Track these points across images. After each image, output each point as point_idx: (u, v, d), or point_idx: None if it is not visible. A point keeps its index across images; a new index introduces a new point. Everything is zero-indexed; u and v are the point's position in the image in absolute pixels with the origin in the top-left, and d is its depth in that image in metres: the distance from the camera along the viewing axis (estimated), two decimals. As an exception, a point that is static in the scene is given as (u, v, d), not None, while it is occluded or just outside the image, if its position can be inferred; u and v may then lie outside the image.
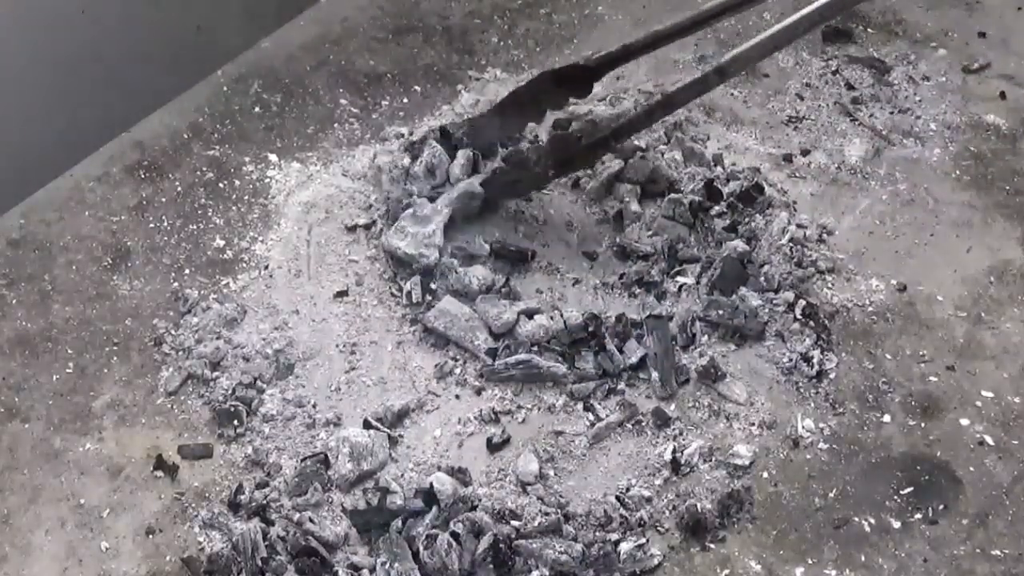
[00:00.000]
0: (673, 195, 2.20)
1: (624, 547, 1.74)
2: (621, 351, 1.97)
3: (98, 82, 2.27)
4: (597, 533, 1.76)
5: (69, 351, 2.00)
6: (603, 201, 2.24)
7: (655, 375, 1.93)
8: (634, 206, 2.20)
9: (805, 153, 2.41)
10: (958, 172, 2.37)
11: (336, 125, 2.45)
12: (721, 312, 2.01)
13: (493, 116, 2.09)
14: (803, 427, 1.93)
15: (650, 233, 2.17)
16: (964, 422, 1.95)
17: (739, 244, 2.11)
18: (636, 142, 2.30)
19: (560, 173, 2.03)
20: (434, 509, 1.75)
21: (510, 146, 2.09)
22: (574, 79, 1.99)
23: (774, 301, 2.06)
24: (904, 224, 2.27)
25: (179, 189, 2.29)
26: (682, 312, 2.02)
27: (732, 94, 2.55)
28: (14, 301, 2.08)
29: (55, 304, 2.07)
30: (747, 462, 1.86)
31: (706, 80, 1.93)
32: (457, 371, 1.98)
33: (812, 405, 1.96)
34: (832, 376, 1.99)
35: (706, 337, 2.01)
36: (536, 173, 2.01)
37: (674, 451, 1.87)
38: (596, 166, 2.25)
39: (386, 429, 1.87)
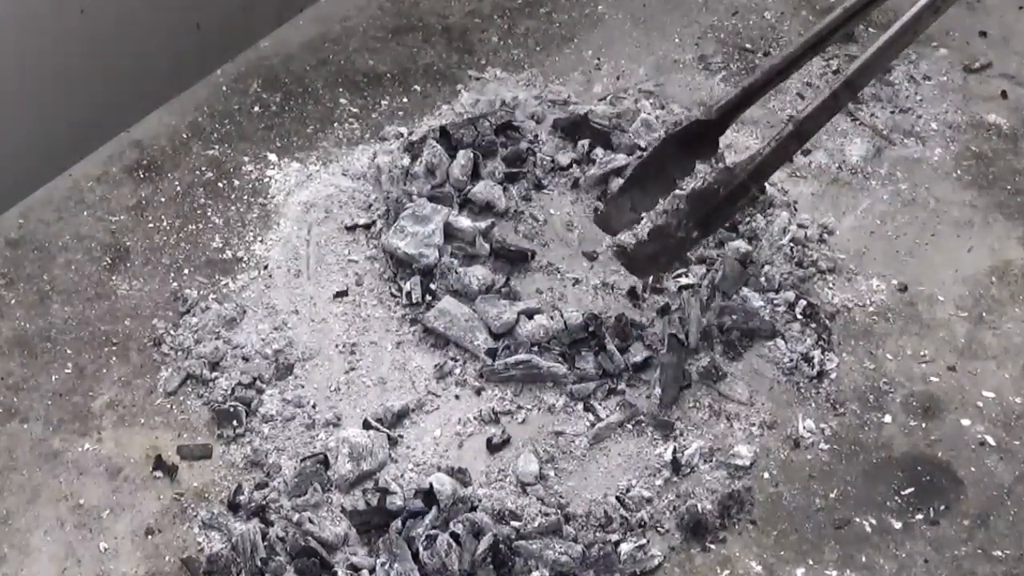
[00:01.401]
0: (677, 192, 2.19)
1: (624, 548, 1.74)
2: (622, 351, 1.97)
3: (97, 81, 2.27)
4: (597, 534, 1.76)
5: (68, 351, 2.00)
6: (596, 190, 2.24)
7: (657, 390, 1.91)
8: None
9: (806, 153, 2.41)
10: (959, 172, 2.37)
11: (336, 125, 2.45)
12: (735, 317, 2.01)
13: (622, 197, 1.87)
14: (804, 427, 1.92)
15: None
16: (965, 422, 1.94)
17: (740, 244, 2.11)
18: (636, 141, 2.30)
19: (705, 234, 1.80)
20: (434, 510, 1.74)
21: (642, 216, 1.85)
22: (698, 136, 1.80)
23: (775, 301, 2.06)
24: (905, 224, 2.26)
25: (178, 189, 2.29)
26: (694, 319, 2.01)
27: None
28: (13, 301, 2.07)
29: (54, 304, 2.07)
30: (748, 462, 1.86)
31: (837, 97, 1.73)
32: (457, 371, 1.97)
33: (813, 405, 1.95)
34: (833, 376, 1.99)
35: (720, 346, 2.01)
36: (679, 239, 1.78)
37: (674, 451, 1.86)
38: (596, 166, 2.25)
39: (386, 429, 1.87)
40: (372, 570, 1.69)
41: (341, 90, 2.53)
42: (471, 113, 2.37)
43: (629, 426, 1.90)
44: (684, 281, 2.08)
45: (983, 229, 2.26)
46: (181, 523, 1.77)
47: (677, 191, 1.79)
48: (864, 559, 1.76)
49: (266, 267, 2.14)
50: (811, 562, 1.76)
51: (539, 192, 2.26)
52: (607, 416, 1.91)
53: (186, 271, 2.13)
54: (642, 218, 1.78)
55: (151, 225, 2.22)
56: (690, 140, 1.74)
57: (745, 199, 1.80)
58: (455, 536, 1.69)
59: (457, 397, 1.94)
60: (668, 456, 1.86)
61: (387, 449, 1.84)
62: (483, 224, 2.13)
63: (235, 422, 1.88)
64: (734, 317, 2.01)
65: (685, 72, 2.61)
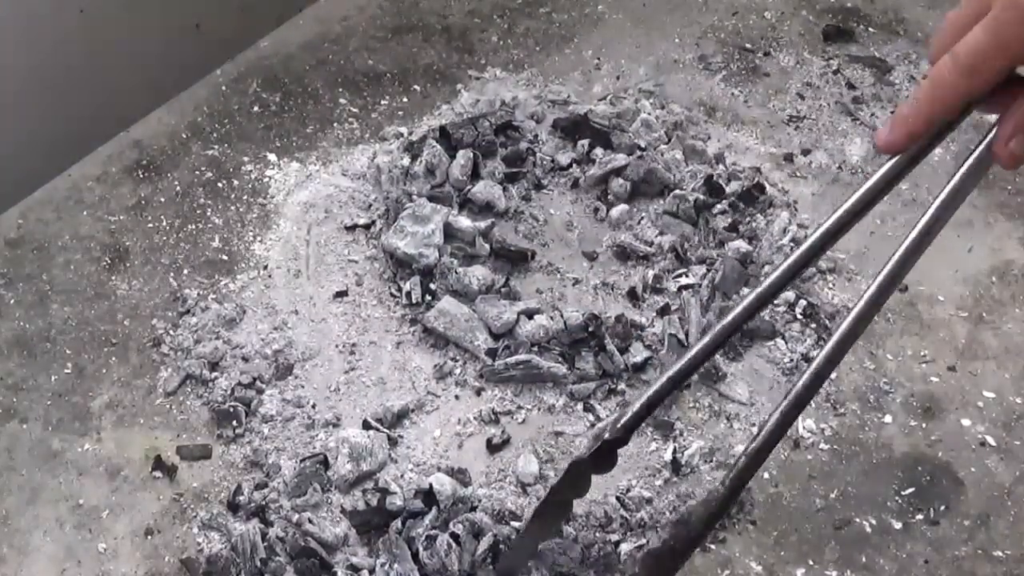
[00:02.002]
0: (678, 191, 2.19)
1: (624, 548, 1.74)
2: (622, 351, 1.97)
3: (96, 81, 2.27)
4: (597, 534, 1.75)
5: (67, 351, 2.00)
6: (596, 189, 2.24)
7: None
8: (621, 206, 2.19)
9: (806, 153, 2.41)
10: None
11: (335, 124, 2.45)
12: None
13: (527, 536, 1.71)
14: (804, 427, 1.92)
15: (657, 232, 2.16)
16: (966, 422, 1.94)
17: (741, 244, 2.11)
18: (636, 141, 2.30)
19: None
20: (433, 510, 1.74)
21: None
22: (604, 457, 1.68)
23: (775, 301, 2.05)
24: (905, 224, 2.26)
25: (178, 189, 2.29)
26: (694, 319, 2.01)
27: (733, 94, 2.55)
28: (12, 301, 2.07)
29: (53, 304, 2.07)
30: (748, 463, 1.86)
31: (785, 419, 1.26)
32: (457, 371, 1.97)
33: (813, 405, 1.95)
34: (833, 376, 1.99)
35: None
36: None
37: (674, 452, 1.86)
38: (596, 166, 2.25)
39: (385, 430, 1.86)
40: (372, 570, 1.68)
41: (341, 90, 2.52)
42: (471, 113, 2.37)
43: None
44: (684, 281, 2.08)
45: (983, 229, 2.26)
46: (180, 523, 1.77)
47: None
48: (864, 559, 1.76)
49: (266, 267, 2.14)
50: (811, 562, 1.75)
51: (539, 192, 2.26)
52: (607, 416, 1.90)
53: (186, 271, 2.13)
54: (539, 552, 1.71)
55: (150, 225, 2.22)
56: (596, 460, 1.66)
57: (701, 543, 1.64)
58: (455, 536, 1.69)
59: (457, 397, 1.94)
60: (668, 456, 1.86)
61: (387, 449, 1.84)
62: (483, 224, 2.12)
63: (235, 422, 1.88)
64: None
65: (685, 72, 2.61)
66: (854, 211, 1.25)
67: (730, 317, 1.41)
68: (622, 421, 1.61)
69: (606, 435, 1.57)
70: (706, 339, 1.47)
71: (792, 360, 1.99)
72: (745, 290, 1.98)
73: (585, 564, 1.71)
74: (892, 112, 2.50)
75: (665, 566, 1.58)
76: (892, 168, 1.20)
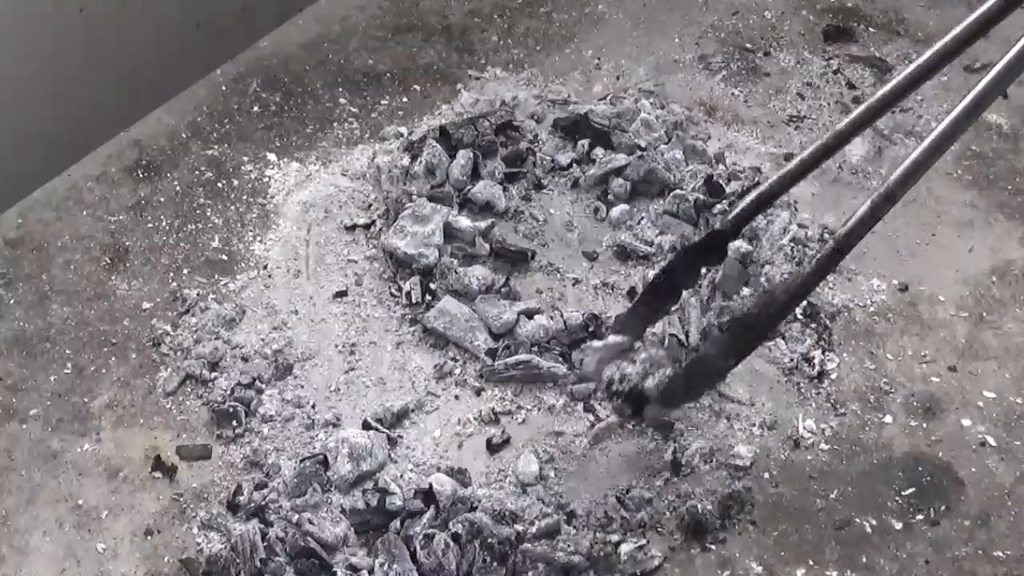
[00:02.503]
0: (678, 191, 2.19)
1: (625, 548, 1.73)
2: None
3: (96, 81, 2.27)
4: (598, 534, 1.75)
5: (67, 351, 1.99)
6: (596, 189, 2.24)
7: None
8: (621, 206, 2.19)
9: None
10: (960, 172, 2.37)
11: (335, 124, 2.45)
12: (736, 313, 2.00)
13: (636, 310, 1.82)
14: (804, 428, 1.92)
15: (657, 232, 2.16)
16: (966, 423, 1.94)
17: (741, 244, 2.10)
18: (636, 141, 2.29)
19: (741, 360, 1.74)
20: (431, 509, 1.74)
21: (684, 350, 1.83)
22: (709, 247, 1.73)
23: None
24: (905, 224, 2.26)
25: (177, 189, 2.29)
26: (694, 319, 2.01)
27: (733, 93, 2.55)
28: (12, 301, 2.07)
29: (53, 304, 2.07)
30: (748, 463, 1.86)
31: (876, 209, 1.61)
32: (457, 371, 1.97)
33: (813, 405, 1.95)
34: (833, 376, 1.99)
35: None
36: (719, 367, 1.74)
37: (674, 452, 1.86)
38: (596, 166, 2.25)
39: (385, 430, 1.86)
40: (371, 570, 1.68)
41: (341, 90, 2.52)
42: (471, 113, 2.37)
43: (629, 426, 1.90)
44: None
45: (984, 229, 2.26)
46: (180, 524, 1.77)
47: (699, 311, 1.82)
48: (864, 560, 1.76)
49: (265, 267, 2.14)
50: (811, 563, 1.75)
51: (539, 192, 2.25)
52: (607, 416, 1.90)
53: (185, 271, 2.13)
54: (645, 332, 1.77)
55: (150, 225, 2.22)
56: (703, 249, 1.74)
57: (784, 319, 1.79)
58: (456, 537, 1.69)
59: (457, 397, 1.94)
60: (668, 456, 1.86)
61: (387, 449, 1.84)
62: (483, 224, 2.12)
63: (234, 422, 1.88)
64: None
65: (685, 72, 2.60)
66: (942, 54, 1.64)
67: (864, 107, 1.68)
68: (732, 214, 1.70)
69: (716, 225, 1.65)
70: (815, 144, 1.63)
71: (792, 360, 1.99)
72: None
73: (588, 561, 1.71)
74: (892, 112, 2.50)
75: (751, 335, 1.67)
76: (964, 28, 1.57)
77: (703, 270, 1.77)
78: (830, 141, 1.72)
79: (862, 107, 1.71)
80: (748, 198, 1.73)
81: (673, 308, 1.81)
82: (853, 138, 1.73)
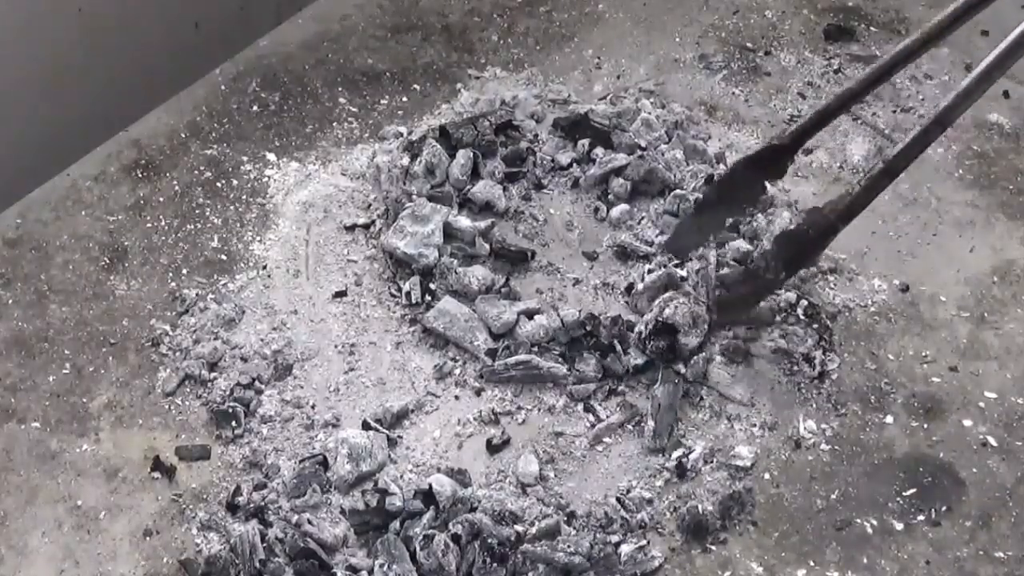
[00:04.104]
0: (678, 191, 2.19)
1: (625, 549, 1.73)
2: (626, 352, 1.96)
3: (95, 80, 2.26)
4: (598, 535, 1.75)
5: (66, 352, 1.99)
6: (596, 189, 2.23)
7: (651, 424, 1.89)
8: (621, 206, 2.19)
9: (807, 152, 2.40)
10: (961, 171, 2.36)
11: (335, 124, 2.44)
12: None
13: (692, 220, 1.89)
14: (805, 428, 1.92)
15: (657, 232, 2.16)
16: (967, 423, 1.94)
17: (741, 244, 2.10)
18: (637, 141, 2.29)
19: (791, 274, 1.81)
20: (431, 510, 1.74)
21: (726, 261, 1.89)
22: (769, 159, 1.78)
23: (776, 301, 2.05)
24: (906, 224, 2.26)
25: (177, 188, 2.28)
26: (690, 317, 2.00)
27: (734, 93, 2.55)
28: (10, 301, 2.06)
29: (52, 304, 2.06)
30: (748, 463, 1.85)
31: (927, 133, 1.71)
32: (456, 372, 1.97)
33: (814, 406, 1.95)
34: (834, 377, 1.98)
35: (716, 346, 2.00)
36: (768, 280, 1.80)
37: (680, 459, 1.85)
38: (596, 166, 2.25)
39: (385, 430, 1.86)
40: (370, 571, 1.68)
41: (340, 89, 2.52)
42: (471, 112, 2.37)
43: (629, 427, 1.90)
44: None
45: (985, 229, 2.25)
46: (179, 524, 1.77)
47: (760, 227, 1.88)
48: (865, 560, 1.75)
49: (265, 267, 2.13)
50: (812, 563, 1.75)
51: (539, 192, 2.25)
52: (607, 417, 1.90)
53: (184, 271, 2.13)
54: (710, 240, 1.82)
55: (149, 225, 2.21)
56: (761, 163, 1.77)
57: (833, 238, 1.82)
58: (455, 537, 1.69)
59: (457, 398, 1.94)
60: (672, 464, 1.85)
61: (386, 450, 1.83)
62: (483, 224, 2.12)
63: (234, 423, 1.87)
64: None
65: (686, 71, 2.60)
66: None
67: (888, 57, 1.76)
68: (791, 129, 1.73)
69: (774, 141, 1.71)
70: (881, 61, 1.73)
71: (793, 360, 1.99)
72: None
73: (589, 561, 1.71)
74: (893, 112, 2.50)
75: (801, 249, 1.73)
76: None
77: (765, 185, 1.80)
78: (885, 64, 1.80)
79: (912, 37, 1.81)
80: (809, 115, 1.77)
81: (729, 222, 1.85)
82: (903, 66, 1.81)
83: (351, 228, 2.19)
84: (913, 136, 1.67)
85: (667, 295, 1.92)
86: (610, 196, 2.23)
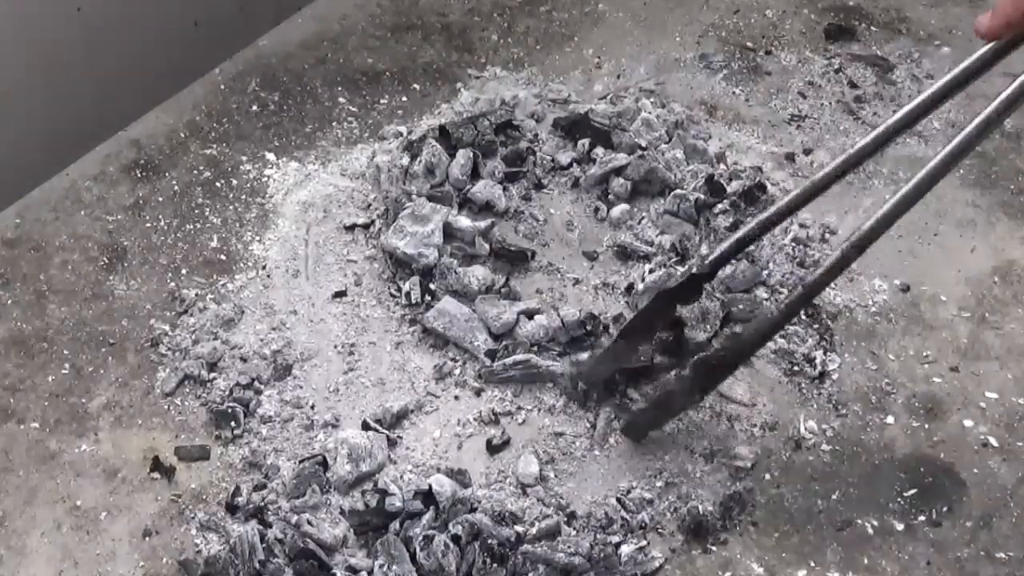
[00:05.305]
0: (678, 191, 2.19)
1: (625, 549, 1.73)
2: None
3: (94, 80, 2.26)
4: (598, 535, 1.75)
5: (65, 352, 1.99)
6: (596, 189, 2.23)
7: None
8: (621, 206, 2.19)
9: (808, 152, 2.40)
10: (962, 171, 2.36)
11: (334, 124, 2.44)
12: (741, 307, 1.99)
13: (608, 354, 1.89)
14: (805, 428, 1.91)
15: (658, 232, 2.15)
16: (968, 423, 1.93)
17: (746, 267, 2.10)
18: (637, 140, 2.29)
19: (704, 396, 1.82)
20: (431, 511, 1.73)
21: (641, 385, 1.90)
22: (688, 289, 1.79)
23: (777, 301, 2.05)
24: (907, 223, 2.23)
25: (176, 188, 2.28)
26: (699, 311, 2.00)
27: (734, 93, 2.54)
28: (9, 301, 2.06)
29: (51, 304, 2.06)
30: (749, 464, 1.85)
31: (845, 258, 1.69)
32: (456, 372, 1.96)
33: (815, 406, 1.94)
34: (835, 377, 1.98)
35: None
36: (682, 404, 1.83)
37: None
38: (597, 166, 2.24)
39: (385, 430, 1.86)
40: (370, 572, 1.68)
41: (340, 89, 2.52)
42: (471, 112, 2.36)
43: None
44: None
45: (986, 229, 2.25)
46: (179, 525, 1.76)
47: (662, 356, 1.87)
48: (866, 561, 1.75)
49: (264, 267, 2.13)
50: (813, 564, 1.75)
51: (539, 192, 2.25)
52: (607, 416, 1.90)
53: (184, 271, 2.12)
54: (620, 369, 1.86)
55: (148, 225, 2.21)
56: (682, 293, 1.83)
57: (746, 361, 1.87)
58: (455, 538, 1.68)
59: (456, 398, 1.93)
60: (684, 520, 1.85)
61: (386, 450, 1.83)
62: (483, 224, 2.12)
63: (233, 423, 1.87)
64: (741, 307, 2.00)
65: (686, 71, 2.60)
66: (954, 83, 1.73)
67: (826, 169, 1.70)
68: (710, 258, 1.75)
69: (693, 269, 1.73)
70: (796, 191, 1.67)
71: (793, 360, 1.99)
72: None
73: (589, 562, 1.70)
74: (894, 111, 2.49)
75: (715, 374, 1.74)
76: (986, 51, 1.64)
77: (677, 308, 1.85)
78: (808, 189, 1.76)
79: (840, 158, 1.76)
80: (726, 243, 1.80)
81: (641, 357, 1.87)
82: (828, 188, 1.76)
83: (351, 228, 2.19)
84: (831, 262, 1.68)
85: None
86: (610, 196, 2.23)
